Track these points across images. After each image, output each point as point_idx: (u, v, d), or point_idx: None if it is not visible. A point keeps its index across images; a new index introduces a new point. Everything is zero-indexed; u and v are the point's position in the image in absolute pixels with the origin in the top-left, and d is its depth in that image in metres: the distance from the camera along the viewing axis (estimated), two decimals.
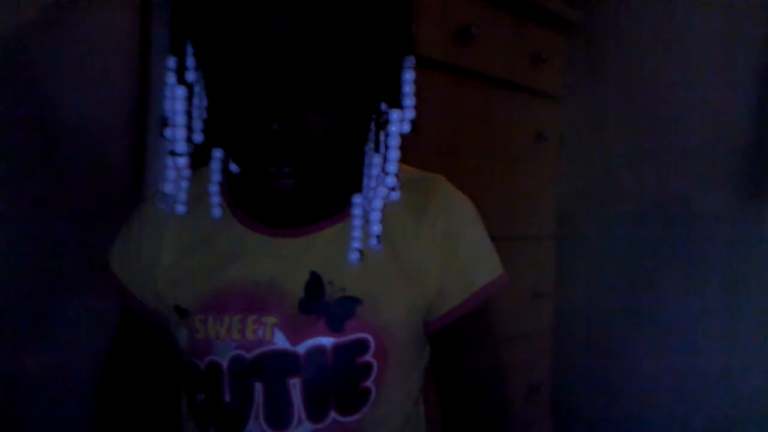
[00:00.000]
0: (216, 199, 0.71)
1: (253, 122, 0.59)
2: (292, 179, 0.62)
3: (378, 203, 0.67)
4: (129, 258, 0.74)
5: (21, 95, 0.98)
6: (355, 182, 0.69)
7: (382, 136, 0.67)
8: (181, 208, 0.71)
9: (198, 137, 0.69)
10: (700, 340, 1.73)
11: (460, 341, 0.72)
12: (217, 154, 0.72)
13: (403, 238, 0.69)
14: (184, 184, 0.70)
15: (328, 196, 0.70)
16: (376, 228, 0.67)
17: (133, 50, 1.11)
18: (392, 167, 0.66)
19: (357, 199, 0.68)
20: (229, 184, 0.73)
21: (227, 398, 0.68)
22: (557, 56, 1.68)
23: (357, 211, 0.68)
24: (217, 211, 0.71)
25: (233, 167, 0.72)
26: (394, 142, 0.66)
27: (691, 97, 1.75)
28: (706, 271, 1.74)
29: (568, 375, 1.87)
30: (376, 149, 0.67)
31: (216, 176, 0.72)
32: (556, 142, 1.73)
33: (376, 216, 0.67)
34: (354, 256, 0.67)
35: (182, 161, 0.67)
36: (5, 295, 0.98)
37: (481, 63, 1.44)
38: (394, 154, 0.67)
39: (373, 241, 0.67)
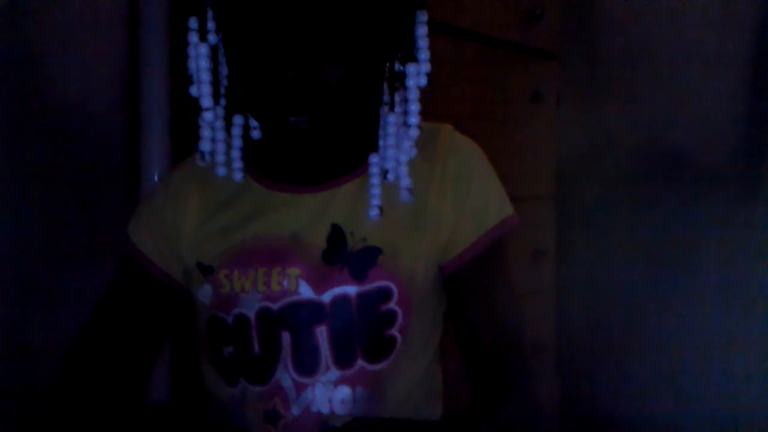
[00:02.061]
0: (237, 163, 0.74)
1: (270, 70, 0.63)
2: (309, 124, 0.64)
3: (404, 157, 0.70)
4: (151, 228, 0.76)
5: (13, 76, 0.98)
6: (371, 141, 0.72)
7: (397, 96, 0.70)
8: (222, 170, 0.74)
9: (224, 102, 0.73)
10: (702, 293, 1.74)
11: (475, 285, 0.73)
12: (238, 120, 0.74)
13: (417, 183, 0.71)
14: (219, 135, 0.73)
15: (345, 155, 0.73)
16: (406, 181, 0.70)
17: (122, 28, 1.10)
18: (413, 119, 0.69)
19: (374, 158, 0.71)
20: (249, 150, 0.75)
21: (256, 349, 0.70)
22: (552, 13, 1.66)
23: (374, 169, 0.71)
24: (238, 175, 0.74)
25: (254, 134, 0.75)
26: (413, 95, 0.69)
27: (689, 51, 1.73)
28: (707, 228, 1.74)
29: (571, 333, 1.88)
30: (391, 108, 0.70)
31: (237, 141, 0.74)
32: (553, 101, 1.72)
33: (404, 170, 0.70)
34: (374, 212, 0.70)
35: (210, 116, 0.71)
36: (11, 273, 0.99)
37: (475, 22, 1.42)
38: (415, 107, 0.69)
39: (405, 194, 0.70)
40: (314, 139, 0.66)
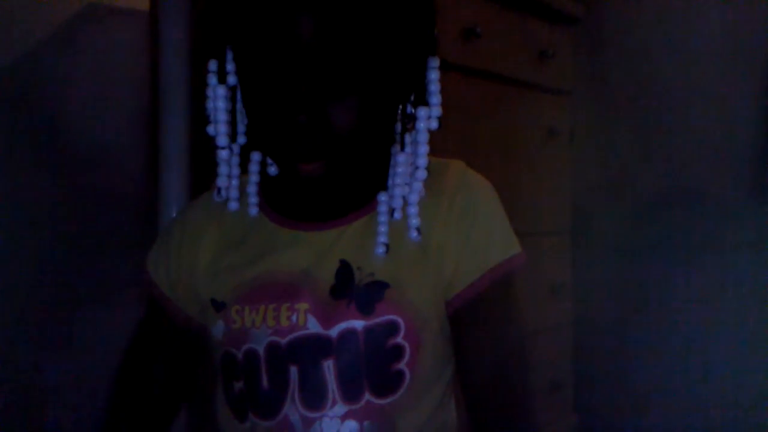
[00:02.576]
0: (254, 198, 0.76)
1: (282, 115, 0.65)
2: (321, 169, 0.66)
3: (414, 197, 0.71)
4: (168, 265, 0.78)
5: (35, 115, 1.01)
6: (380, 180, 0.73)
7: (408, 137, 0.71)
8: (234, 204, 0.76)
9: (241, 140, 0.76)
10: (725, 332, 1.72)
11: (478, 323, 0.73)
12: (255, 157, 0.77)
13: (424, 219, 0.72)
14: (235, 172, 0.75)
15: (354, 193, 0.74)
16: (415, 221, 0.71)
17: (143, 66, 1.13)
18: (422, 161, 0.71)
19: (382, 196, 0.72)
20: (264, 186, 0.77)
21: (264, 384, 0.71)
22: (564, 51, 1.68)
23: (382, 207, 0.71)
24: (254, 210, 0.76)
25: (271, 170, 0.78)
26: (423, 137, 0.70)
27: (699, 89, 1.75)
28: (723, 264, 1.73)
29: (589, 370, 1.86)
30: (402, 148, 0.71)
31: (254, 177, 0.76)
32: (566, 137, 1.73)
33: (413, 210, 0.71)
34: (380, 250, 0.70)
35: (225, 153, 0.73)
36: (28, 308, 1.00)
37: (488, 61, 1.44)
38: (423, 149, 0.71)
39: (414, 234, 0.71)
40: (326, 182, 0.68)
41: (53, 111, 1.04)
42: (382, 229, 0.71)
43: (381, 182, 0.73)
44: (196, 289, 0.76)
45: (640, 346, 1.82)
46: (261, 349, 0.71)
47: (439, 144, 0.72)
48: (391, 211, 0.71)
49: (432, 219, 0.72)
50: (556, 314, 1.71)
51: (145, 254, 0.82)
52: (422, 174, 0.71)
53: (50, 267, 1.03)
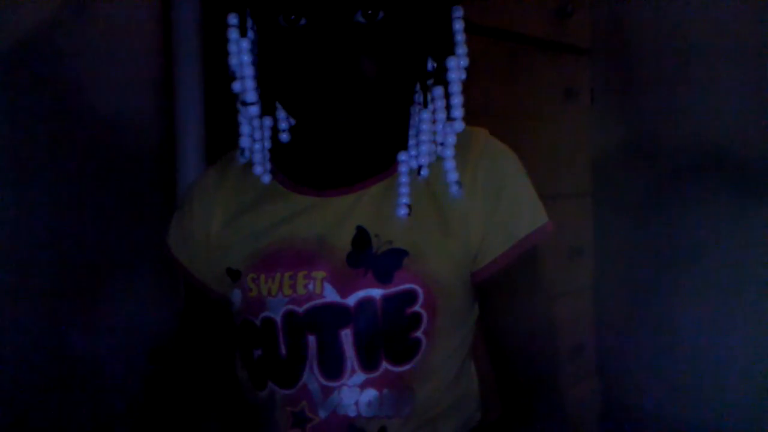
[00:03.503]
0: (266, 165, 0.75)
1: (314, 67, 0.63)
2: (345, 119, 0.65)
3: (449, 152, 0.69)
4: (184, 237, 0.78)
5: (49, 88, 1.00)
6: (399, 140, 0.71)
7: (433, 92, 0.70)
8: (258, 168, 0.75)
9: (256, 104, 0.73)
10: (748, 290, 1.70)
11: (506, 293, 0.72)
12: (267, 122, 0.75)
13: (446, 190, 0.70)
14: (258, 134, 0.74)
15: (372, 155, 0.72)
16: (454, 175, 0.69)
17: (155, 35, 1.12)
18: (458, 112, 0.69)
19: (403, 156, 0.70)
20: (276, 153, 0.76)
21: (283, 352, 0.71)
22: (583, 8, 1.63)
23: (404, 168, 0.70)
24: (267, 177, 0.75)
25: (283, 137, 0.76)
26: (456, 88, 0.69)
27: (727, 44, 1.69)
28: (753, 224, 1.69)
29: (611, 333, 1.85)
30: (425, 105, 0.70)
31: (266, 143, 0.75)
32: (586, 98, 1.70)
33: (451, 164, 0.69)
34: (402, 211, 0.69)
35: (254, 110, 0.71)
36: (50, 282, 1.01)
37: (504, 20, 1.41)
38: (458, 100, 0.69)
39: (455, 188, 0.69)
40: (349, 135, 0.67)
41: (67, 81, 1.03)
42: (404, 190, 0.69)
43: (400, 143, 0.71)
44: (212, 260, 0.76)
45: (663, 308, 1.81)
46: (278, 318, 0.70)
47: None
48: (417, 170, 0.70)
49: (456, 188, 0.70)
50: (577, 277, 1.70)
51: (164, 224, 0.82)
52: (459, 126, 0.69)
53: (70, 240, 1.03)
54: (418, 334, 0.69)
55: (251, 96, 0.70)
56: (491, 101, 1.39)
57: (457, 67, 0.69)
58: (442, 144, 0.70)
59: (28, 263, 0.99)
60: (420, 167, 0.70)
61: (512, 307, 0.72)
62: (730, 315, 1.70)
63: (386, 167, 0.72)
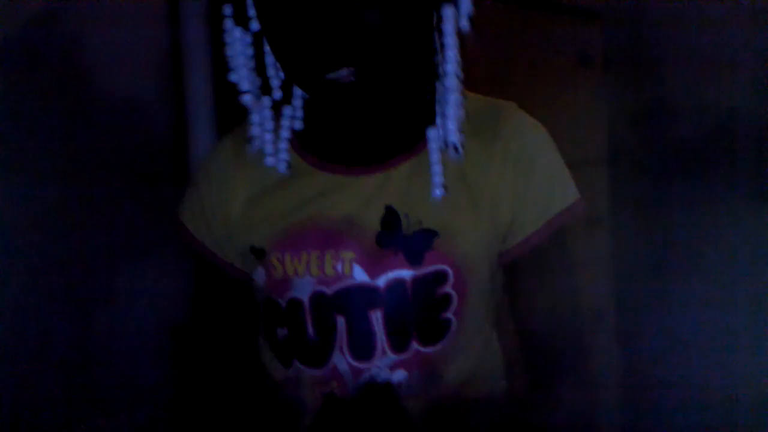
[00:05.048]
0: (284, 154, 0.72)
1: (306, 20, 0.60)
2: (353, 77, 0.61)
3: (451, 110, 0.65)
4: (202, 215, 0.76)
5: (58, 69, 0.99)
6: (427, 115, 0.68)
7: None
8: (270, 160, 0.72)
9: (276, 94, 0.72)
10: (760, 269, 1.67)
11: (536, 272, 0.70)
12: (287, 111, 0.73)
13: (475, 167, 0.68)
14: (268, 125, 0.71)
15: (397, 130, 0.70)
16: (454, 136, 0.66)
17: (163, 13, 1.11)
18: (450, 67, 0.65)
19: (432, 132, 0.68)
20: (299, 134, 0.74)
21: (310, 333, 0.70)
22: None
23: (433, 144, 0.67)
24: (282, 165, 0.72)
25: (296, 124, 0.73)
26: (450, 41, 0.64)
27: (742, 8, 1.65)
28: None
29: (631, 301, 1.84)
30: (443, 64, 0.66)
31: (285, 133, 0.72)
32: (600, 63, 1.67)
33: (452, 125, 0.66)
34: (438, 192, 0.67)
35: (248, 98, 0.70)
36: (70, 264, 1.01)
37: None
38: (452, 54, 0.65)
39: (452, 151, 0.66)
40: (360, 96, 0.63)
41: (76, 65, 1.02)
42: (437, 168, 0.67)
43: (428, 117, 0.68)
44: (233, 238, 0.74)
45: (684, 277, 1.79)
46: (305, 299, 0.69)
47: (465, 75, 0.68)
48: (447, 148, 0.67)
49: (484, 165, 0.68)
50: (595, 246, 1.68)
51: (177, 203, 0.80)
52: (451, 81, 0.65)
53: (85, 221, 1.04)
54: (448, 314, 0.68)
55: (245, 85, 0.69)
56: (504, 67, 1.37)
57: (452, 17, 0.64)
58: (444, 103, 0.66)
59: (48, 247, 1.00)
60: (449, 145, 0.66)
61: (542, 287, 0.71)
62: (752, 284, 1.69)
63: (415, 144, 0.70)
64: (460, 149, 0.66)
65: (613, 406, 1.75)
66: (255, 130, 0.71)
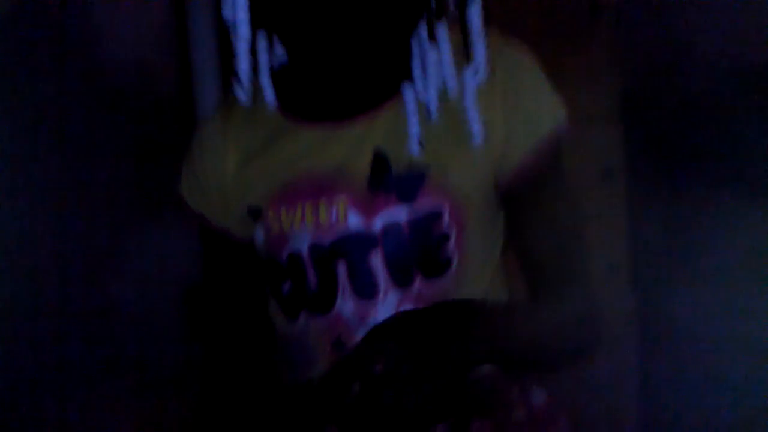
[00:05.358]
0: (269, 90, 0.71)
1: None
2: (338, 32, 0.61)
3: (470, 100, 0.65)
4: (198, 185, 0.77)
5: (61, 33, 0.99)
6: (404, 71, 0.68)
7: (437, 27, 0.66)
8: (269, 95, 0.71)
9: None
10: None
11: (533, 197, 0.70)
12: (263, 44, 0.71)
13: (462, 97, 0.68)
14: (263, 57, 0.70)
15: (377, 81, 0.70)
16: (477, 126, 0.66)
17: None
18: (479, 45, 0.65)
19: (408, 88, 0.68)
20: (282, 90, 0.73)
21: (312, 284, 0.71)
22: None
23: (410, 102, 0.67)
24: (270, 97, 0.71)
25: (276, 62, 0.72)
26: (476, 20, 0.65)
27: None
28: None
29: (646, 253, 1.83)
30: (430, 37, 0.66)
31: (264, 66, 0.71)
32: (613, 12, 1.64)
33: (473, 114, 0.66)
34: (415, 148, 0.67)
35: (244, 31, 0.67)
36: (83, 229, 1.03)
37: None
38: (476, 23, 0.65)
39: (477, 137, 0.66)
40: (347, 51, 0.64)
41: (81, 30, 1.02)
42: (414, 129, 0.67)
43: (405, 73, 0.68)
44: (230, 203, 0.75)
45: (699, 228, 1.78)
46: (304, 251, 0.70)
47: None
48: (426, 111, 0.67)
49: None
50: (609, 200, 1.68)
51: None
52: (480, 56, 0.65)
53: (94, 185, 1.05)
54: (448, 251, 0.69)
55: (241, 14, 0.67)
56: (513, 19, 1.35)
57: None
58: (454, 86, 0.67)
59: (62, 214, 1.01)
60: (423, 106, 0.67)
61: (541, 213, 0.71)
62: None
63: (396, 93, 0.70)
64: (434, 113, 0.66)
65: (630, 352, 1.76)
66: (243, 63, 0.69)
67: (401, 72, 0.69)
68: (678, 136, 1.79)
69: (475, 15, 0.65)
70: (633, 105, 1.76)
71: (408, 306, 0.69)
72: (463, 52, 0.67)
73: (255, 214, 0.73)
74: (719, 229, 1.74)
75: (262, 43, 0.72)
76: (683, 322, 1.78)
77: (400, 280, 0.68)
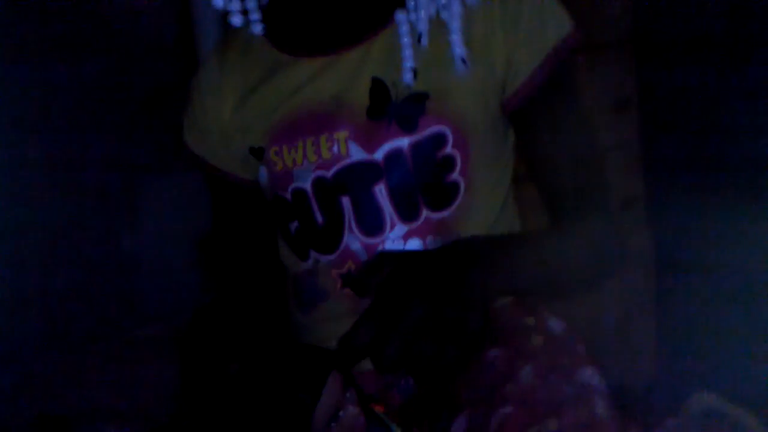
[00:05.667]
0: (255, 14, 0.71)
1: None
2: None
3: (456, 23, 0.64)
4: (200, 131, 0.76)
5: None
6: None
7: None
8: (258, 27, 0.71)
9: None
10: None
11: (544, 115, 0.68)
12: None
13: (459, 17, 0.65)
14: None
15: (370, 9, 0.68)
16: (460, 50, 0.64)
17: None
18: None
19: (401, 15, 0.66)
20: (275, 24, 0.72)
21: (319, 219, 0.70)
22: None
23: (403, 28, 0.65)
24: (258, 27, 0.71)
25: None
26: None
27: None
28: None
29: (662, 184, 1.81)
30: None
31: (252, 4, 0.71)
32: None
33: (457, 38, 0.64)
34: (408, 75, 0.65)
35: None
36: (94, 182, 1.03)
37: None
38: None
39: (459, 63, 0.65)
40: None
41: None
42: (407, 53, 0.65)
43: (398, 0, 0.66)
44: (231, 145, 0.74)
45: (715, 154, 1.75)
46: (308, 186, 0.69)
47: None
48: (418, 37, 0.65)
49: (468, 13, 0.65)
50: (623, 130, 1.65)
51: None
52: None
53: (102, 136, 1.04)
54: (454, 176, 0.67)
55: None
56: None
57: None
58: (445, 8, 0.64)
59: (74, 167, 1.01)
60: (416, 33, 0.65)
61: (554, 129, 0.68)
62: None
63: (390, 20, 0.68)
64: (425, 41, 0.64)
65: (646, 284, 1.76)
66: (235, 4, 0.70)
67: (392, 3, 0.67)
68: (690, 69, 1.75)
69: None
70: (646, 32, 1.71)
71: (415, 240, 0.68)
72: None
73: (257, 154, 0.72)
74: (738, 157, 1.71)
75: None
76: (697, 255, 1.78)
77: (406, 213, 0.67)
